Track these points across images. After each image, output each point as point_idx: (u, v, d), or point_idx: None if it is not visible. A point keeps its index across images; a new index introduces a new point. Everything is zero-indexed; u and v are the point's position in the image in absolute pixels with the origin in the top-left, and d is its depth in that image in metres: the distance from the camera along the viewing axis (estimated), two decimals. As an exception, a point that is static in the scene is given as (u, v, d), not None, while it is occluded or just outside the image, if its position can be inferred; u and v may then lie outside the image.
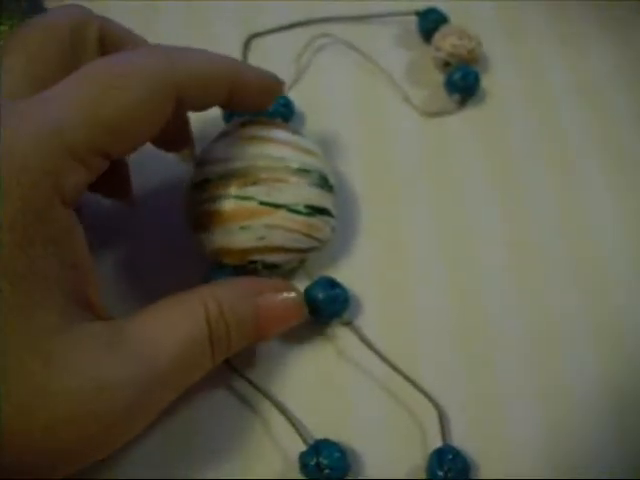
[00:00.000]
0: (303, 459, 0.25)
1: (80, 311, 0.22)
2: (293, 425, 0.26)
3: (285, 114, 0.32)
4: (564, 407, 0.27)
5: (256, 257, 0.27)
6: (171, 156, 0.31)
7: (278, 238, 0.27)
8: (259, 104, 0.28)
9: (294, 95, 0.33)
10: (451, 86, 0.34)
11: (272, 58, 0.35)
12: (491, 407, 0.27)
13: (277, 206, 0.27)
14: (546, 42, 0.36)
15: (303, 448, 0.25)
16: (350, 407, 0.27)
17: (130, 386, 0.21)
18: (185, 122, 0.29)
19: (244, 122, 0.29)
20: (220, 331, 0.24)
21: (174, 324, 0.23)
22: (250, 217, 0.27)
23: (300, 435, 0.26)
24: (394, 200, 0.31)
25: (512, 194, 0.32)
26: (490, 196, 0.32)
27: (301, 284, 0.28)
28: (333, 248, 0.30)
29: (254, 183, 0.27)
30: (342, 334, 0.28)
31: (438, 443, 0.26)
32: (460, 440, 0.26)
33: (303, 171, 0.28)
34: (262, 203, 0.27)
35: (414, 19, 0.36)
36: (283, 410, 0.26)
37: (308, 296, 0.28)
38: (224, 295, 0.25)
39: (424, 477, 0.25)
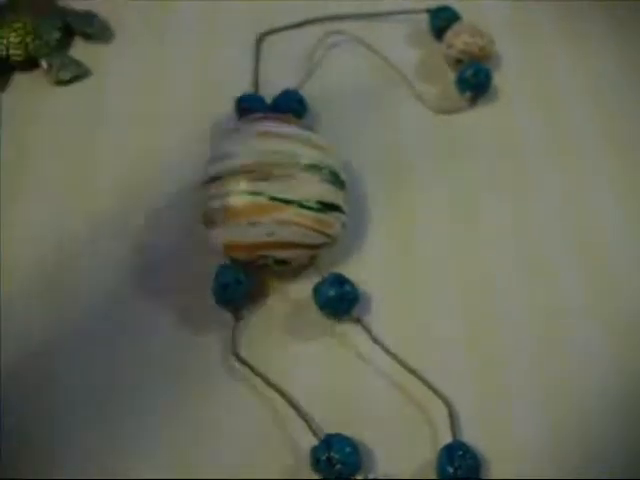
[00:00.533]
0: (315, 454, 0.25)
1: None
2: (305, 419, 0.26)
3: (298, 110, 0.32)
4: (572, 405, 0.27)
5: (266, 253, 0.27)
6: (184, 151, 0.31)
7: (288, 234, 0.27)
8: None
9: (306, 92, 0.33)
10: (463, 83, 0.34)
11: (284, 56, 0.35)
12: (500, 404, 0.27)
13: (288, 202, 0.27)
14: (557, 40, 0.36)
15: (314, 443, 0.25)
16: (360, 403, 0.27)
17: None
18: None
19: (256, 118, 0.29)
20: None
21: None
22: (261, 212, 0.27)
23: (312, 430, 0.26)
24: (405, 197, 0.31)
25: (522, 191, 0.32)
26: (501, 192, 0.32)
27: (311, 281, 0.28)
28: (343, 245, 0.30)
29: (265, 179, 0.27)
30: (352, 331, 0.28)
31: (448, 439, 0.26)
32: (470, 437, 0.26)
33: (314, 167, 0.28)
34: (273, 199, 0.27)
35: (425, 17, 0.36)
36: (295, 405, 0.26)
37: (319, 293, 0.28)
38: None
39: (434, 473, 0.25)
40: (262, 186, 0.27)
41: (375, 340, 0.28)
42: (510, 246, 0.30)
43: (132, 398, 0.27)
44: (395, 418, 0.27)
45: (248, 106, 0.32)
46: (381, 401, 0.27)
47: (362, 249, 0.30)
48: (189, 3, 0.37)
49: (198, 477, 0.26)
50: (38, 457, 0.26)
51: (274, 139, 0.28)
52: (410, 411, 0.27)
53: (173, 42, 0.36)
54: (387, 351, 0.27)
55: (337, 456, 0.25)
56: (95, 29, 0.36)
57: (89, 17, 0.36)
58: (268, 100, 0.33)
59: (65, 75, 0.34)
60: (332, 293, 0.28)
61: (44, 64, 0.34)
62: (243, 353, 0.28)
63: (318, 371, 0.28)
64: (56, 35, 0.35)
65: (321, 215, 0.28)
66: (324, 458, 0.25)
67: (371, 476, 0.25)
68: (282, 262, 0.28)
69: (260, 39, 0.36)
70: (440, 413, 0.27)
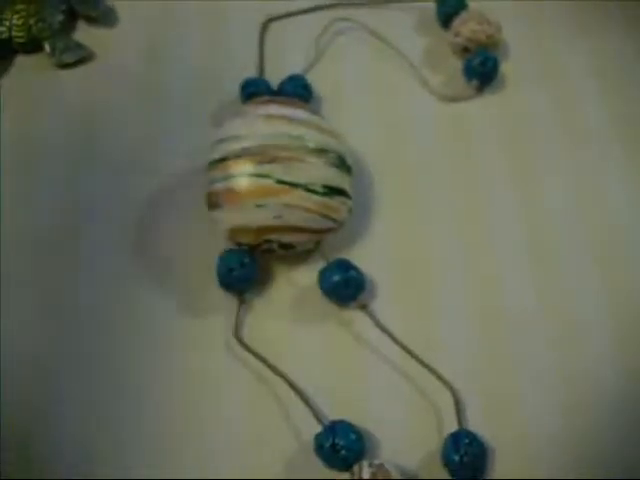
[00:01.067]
0: (319, 440, 0.25)
1: None
2: (309, 406, 0.26)
3: (304, 96, 0.32)
4: (580, 392, 0.27)
5: (272, 236, 0.27)
6: (188, 136, 0.30)
7: (294, 217, 0.27)
8: None
9: (312, 78, 0.33)
10: (470, 71, 0.33)
11: (289, 42, 0.35)
12: (507, 392, 0.27)
13: (294, 185, 0.27)
14: (564, 28, 0.35)
15: (318, 430, 0.25)
16: (365, 390, 0.27)
17: None
18: None
19: (262, 101, 0.28)
20: None
21: None
22: (267, 195, 0.27)
23: (316, 416, 0.25)
24: (411, 184, 0.31)
25: (529, 178, 0.31)
26: (507, 180, 0.31)
27: (316, 266, 0.28)
28: (349, 230, 0.30)
29: (271, 161, 0.27)
30: (357, 317, 0.28)
31: (453, 427, 0.26)
32: (476, 425, 0.26)
33: (321, 151, 0.27)
34: (279, 181, 0.27)
35: (432, 5, 0.36)
36: (299, 391, 0.26)
37: (323, 278, 0.28)
38: None
39: (439, 461, 0.25)
40: (268, 169, 0.27)
41: (380, 327, 0.27)
42: (517, 232, 0.30)
43: (134, 381, 0.27)
44: (400, 405, 0.27)
45: (253, 90, 0.32)
46: (386, 388, 0.27)
47: (368, 236, 0.30)
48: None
49: (200, 462, 0.25)
50: (37, 453, 0.25)
51: (280, 122, 0.28)
52: (415, 398, 0.27)
53: (178, 26, 0.35)
54: (392, 338, 0.27)
55: (342, 442, 0.25)
56: (99, 12, 0.35)
57: (93, 0, 0.35)
58: (274, 86, 0.32)
59: (69, 58, 0.34)
60: (337, 278, 0.27)
61: (47, 47, 0.34)
62: (247, 338, 0.27)
63: (322, 357, 0.27)
64: (59, 18, 0.35)
65: (327, 199, 0.27)
66: (328, 444, 0.25)
67: (376, 462, 0.24)
68: (287, 246, 0.28)
69: (266, 25, 0.35)
70: (445, 401, 0.26)
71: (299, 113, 0.28)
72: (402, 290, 0.29)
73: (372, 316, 0.28)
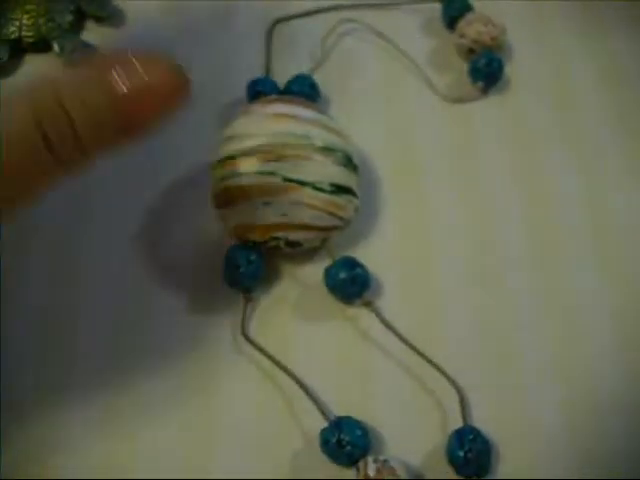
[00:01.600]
0: (324, 435, 0.25)
1: None
2: (314, 401, 0.26)
3: (310, 95, 0.32)
4: (584, 389, 0.27)
5: (279, 234, 0.27)
6: (195, 133, 0.31)
7: (301, 215, 0.27)
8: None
9: (318, 78, 0.33)
10: (475, 72, 0.34)
11: (297, 43, 0.35)
12: (511, 389, 0.27)
13: (301, 183, 0.27)
14: (569, 30, 0.36)
15: (323, 426, 0.25)
16: (370, 387, 0.27)
17: None
18: None
19: (269, 100, 0.29)
20: (58, 123, 0.21)
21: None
22: (274, 193, 0.27)
23: (322, 412, 0.26)
24: (416, 183, 0.31)
25: (534, 180, 0.31)
26: (512, 182, 0.31)
27: (322, 263, 0.28)
28: (355, 229, 0.30)
29: (278, 159, 0.27)
30: (363, 314, 0.28)
31: (458, 424, 0.26)
32: (480, 422, 0.26)
33: (328, 149, 0.28)
34: (286, 179, 0.27)
35: (438, 7, 0.36)
36: (305, 387, 0.26)
37: (329, 275, 0.28)
38: (65, 82, 0.21)
39: (444, 457, 0.25)
40: (275, 166, 0.27)
41: (386, 324, 0.27)
42: (522, 231, 0.30)
43: (140, 379, 0.27)
44: (405, 402, 0.27)
45: (260, 90, 0.32)
46: (391, 385, 0.27)
47: (373, 234, 0.30)
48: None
49: (205, 458, 0.25)
50: (40, 450, 0.26)
51: (287, 120, 0.28)
52: (420, 395, 0.27)
53: (185, 26, 0.35)
54: (398, 335, 0.27)
55: (347, 438, 0.25)
56: (107, 12, 0.35)
57: (102, 0, 0.36)
58: (280, 85, 0.33)
59: (77, 57, 0.34)
60: (343, 275, 0.27)
61: (56, 46, 0.34)
62: (253, 335, 0.27)
63: (328, 354, 0.28)
64: (69, 18, 0.35)
65: (334, 197, 0.27)
66: (334, 440, 0.25)
67: (381, 458, 0.24)
68: (294, 244, 0.28)
69: (273, 26, 0.35)
70: (450, 398, 0.26)
71: (306, 112, 0.28)
72: (407, 288, 0.29)
73: (377, 313, 0.28)
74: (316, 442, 0.25)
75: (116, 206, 0.30)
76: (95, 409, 0.26)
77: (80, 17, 0.36)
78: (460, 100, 0.34)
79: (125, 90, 0.21)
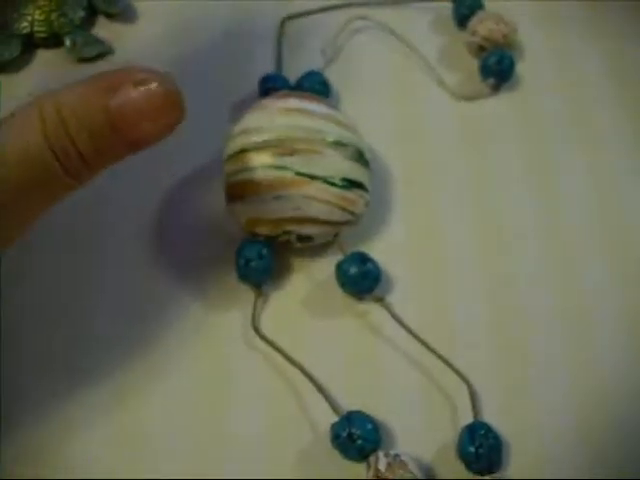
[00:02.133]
0: (335, 430, 0.25)
1: None
2: (325, 396, 0.26)
3: (321, 92, 0.32)
4: (595, 385, 0.27)
5: (290, 228, 0.27)
6: (208, 128, 0.31)
7: (313, 209, 0.27)
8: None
9: (329, 75, 0.33)
10: (486, 70, 0.34)
11: (308, 40, 0.35)
12: (522, 385, 0.27)
13: (313, 177, 0.27)
14: (580, 29, 0.36)
15: (334, 420, 0.25)
16: (381, 382, 0.27)
17: None
18: None
19: (281, 95, 0.29)
20: (61, 138, 0.22)
21: (7, 136, 0.22)
22: (286, 187, 0.27)
23: (332, 406, 0.25)
24: (427, 181, 0.31)
25: (545, 178, 0.31)
26: (523, 180, 0.31)
27: (334, 258, 0.28)
28: (366, 224, 0.30)
29: (290, 153, 0.27)
30: (374, 310, 0.28)
31: (469, 420, 0.26)
32: (491, 417, 0.26)
33: (339, 144, 0.28)
34: (298, 174, 0.27)
35: (449, 5, 0.36)
36: (316, 382, 0.26)
37: (340, 270, 0.28)
38: (66, 98, 0.22)
39: (455, 452, 0.25)
40: (287, 161, 0.27)
41: (397, 319, 0.27)
42: (534, 230, 0.30)
43: (151, 374, 0.27)
44: (416, 398, 0.27)
45: (272, 86, 0.32)
46: (402, 380, 0.27)
47: (385, 230, 0.30)
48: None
49: (216, 453, 0.25)
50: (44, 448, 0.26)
51: (299, 115, 0.28)
52: (431, 391, 0.27)
53: (196, 23, 0.36)
54: (409, 331, 0.27)
55: (358, 432, 0.25)
56: (119, 9, 0.36)
57: (113, -4, 0.36)
58: (292, 82, 0.33)
59: (89, 52, 0.34)
60: (354, 270, 0.27)
61: (68, 42, 0.34)
62: (264, 329, 0.27)
63: (339, 349, 0.27)
64: (80, 14, 0.35)
65: (346, 192, 0.27)
66: (345, 434, 0.25)
67: (392, 453, 0.24)
68: (305, 238, 0.28)
69: (285, 23, 0.36)
70: (461, 393, 0.26)
71: (318, 107, 0.28)
72: (418, 283, 0.29)
73: (388, 308, 0.28)
74: (326, 437, 0.25)
75: (129, 200, 0.30)
76: (105, 402, 0.26)
77: (91, 13, 0.36)
78: (471, 98, 0.34)
79: (120, 109, 0.22)
